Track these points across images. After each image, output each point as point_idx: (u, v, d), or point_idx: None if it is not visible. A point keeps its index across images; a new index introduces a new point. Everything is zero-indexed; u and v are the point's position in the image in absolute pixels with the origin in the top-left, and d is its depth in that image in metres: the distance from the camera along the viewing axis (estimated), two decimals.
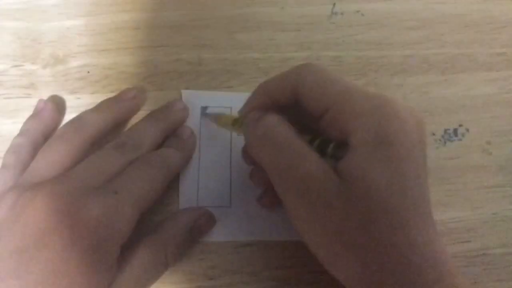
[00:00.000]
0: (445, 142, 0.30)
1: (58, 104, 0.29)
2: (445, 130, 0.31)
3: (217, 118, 0.28)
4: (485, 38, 0.34)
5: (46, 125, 0.28)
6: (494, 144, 0.30)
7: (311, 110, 0.22)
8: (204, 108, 0.30)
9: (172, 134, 0.28)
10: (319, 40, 0.33)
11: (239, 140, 0.29)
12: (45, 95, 0.30)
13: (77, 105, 0.30)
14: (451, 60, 0.33)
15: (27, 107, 0.30)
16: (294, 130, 0.22)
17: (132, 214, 0.22)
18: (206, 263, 0.27)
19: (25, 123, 0.28)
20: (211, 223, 0.27)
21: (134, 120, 0.29)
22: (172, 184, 0.27)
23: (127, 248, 0.23)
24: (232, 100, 0.30)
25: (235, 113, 0.28)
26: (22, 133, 0.27)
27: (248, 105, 0.25)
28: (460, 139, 0.30)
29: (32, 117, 0.28)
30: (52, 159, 0.24)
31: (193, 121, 0.30)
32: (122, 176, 0.23)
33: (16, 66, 0.31)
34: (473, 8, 0.34)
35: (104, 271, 0.21)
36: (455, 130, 0.31)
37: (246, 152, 0.26)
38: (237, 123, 0.26)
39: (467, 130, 0.31)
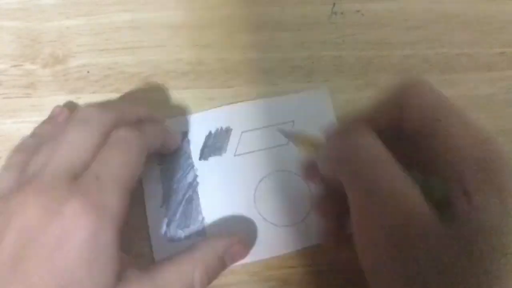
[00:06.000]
0: None
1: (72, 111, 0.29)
2: None
3: (295, 138, 0.26)
4: (485, 38, 0.34)
5: (59, 131, 0.27)
6: None
7: (412, 133, 0.19)
8: (184, 134, 0.29)
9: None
10: (319, 40, 0.33)
11: (204, 166, 0.29)
12: (45, 95, 0.30)
13: (77, 105, 0.30)
14: (451, 60, 0.33)
15: (26, 106, 0.30)
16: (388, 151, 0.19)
17: (119, 195, 0.22)
18: None
19: (39, 126, 0.28)
20: (245, 251, 0.26)
21: None
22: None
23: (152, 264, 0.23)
24: (210, 119, 0.30)
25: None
26: (34, 135, 0.27)
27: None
28: None
29: (47, 121, 0.28)
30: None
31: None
32: (98, 161, 0.22)
33: (15, 65, 0.31)
34: (473, 8, 0.34)
35: (104, 261, 0.21)
36: None
37: (308, 169, 0.24)
38: (316, 145, 0.23)
39: None
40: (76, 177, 0.22)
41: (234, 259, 0.25)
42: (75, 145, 0.23)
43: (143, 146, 0.24)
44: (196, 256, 0.23)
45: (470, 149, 0.18)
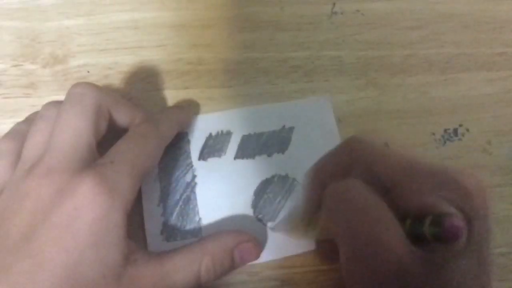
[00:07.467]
0: (445, 142, 0.30)
1: None
2: (445, 130, 0.31)
3: (288, 229, 0.26)
4: (485, 38, 0.34)
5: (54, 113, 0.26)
6: (494, 144, 0.30)
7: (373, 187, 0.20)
8: (184, 133, 0.29)
9: None
10: (319, 40, 0.33)
11: (203, 173, 0.28)
12: (45, 95, 0.30)
13: None
14: (451, 60, 0.33)
15: (26, 106, 0.30)
16: (380, 197, 0.19)
17: (131, 180, 0.22)
18: None
19: (34, 113, 0.27)
20: (256, 252, 0.25)
21: None
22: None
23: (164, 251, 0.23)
24: (211, 122, 0.30)
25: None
26: (26, 120, 0.26)
27: (307, 200, 0.25)
28: (460, 139, 0.30)
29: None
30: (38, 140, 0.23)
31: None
32: (115, 147, 0.23)
33: (15, 65, 0.31)
34: (473, 8, 0.34)
35: (113, 242, 0.21)
36: (455, 130, 0.31)
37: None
38: (310, 224, 0.24)
39: (467, 130, 0.31)
40: (83, 157, 0.22)
41: (244, 258, 0.25)
42: (75, 125, 0.23)
43: (160, 143, 0.25)
44: (205, 247, 0.24)
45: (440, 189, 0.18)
